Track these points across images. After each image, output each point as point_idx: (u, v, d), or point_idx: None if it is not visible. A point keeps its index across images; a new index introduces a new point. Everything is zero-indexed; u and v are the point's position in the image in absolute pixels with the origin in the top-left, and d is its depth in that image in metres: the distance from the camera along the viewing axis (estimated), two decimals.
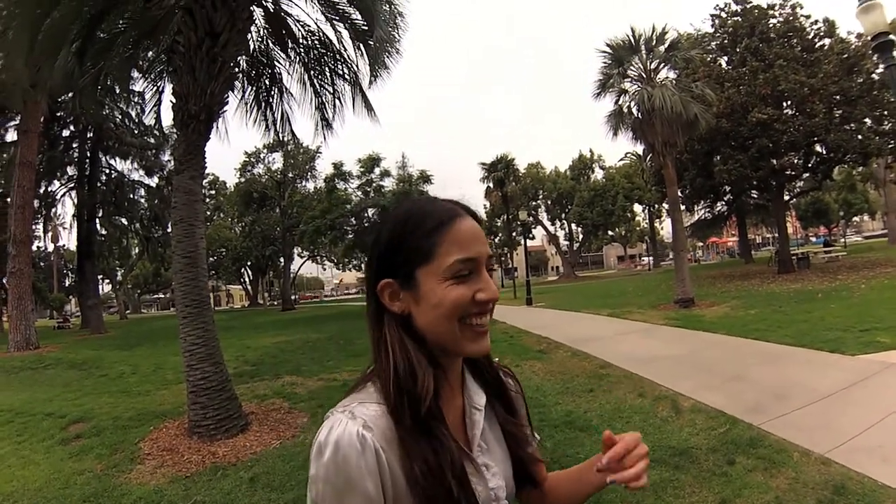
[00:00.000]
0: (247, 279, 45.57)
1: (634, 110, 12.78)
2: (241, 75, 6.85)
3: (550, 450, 3.90)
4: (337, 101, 7.17)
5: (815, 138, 15.70)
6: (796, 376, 5.23)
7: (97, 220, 21.21)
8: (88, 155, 20.80)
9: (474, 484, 0.70)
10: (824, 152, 16.98)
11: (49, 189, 21.50)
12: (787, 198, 21.06)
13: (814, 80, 14.46)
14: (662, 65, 13.06)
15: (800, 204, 39.51)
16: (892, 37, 5.84)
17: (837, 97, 15.10)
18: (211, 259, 37.09)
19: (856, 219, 55.92)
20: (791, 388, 4.86)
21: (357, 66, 6.87)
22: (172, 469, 4.19)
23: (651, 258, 46.40)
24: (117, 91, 8.45)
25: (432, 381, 0.69)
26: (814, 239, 52.28)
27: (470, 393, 0.79)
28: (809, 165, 17.96)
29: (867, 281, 12.22)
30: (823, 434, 3.68)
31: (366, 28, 6.27)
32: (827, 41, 16.12)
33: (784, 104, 15.94)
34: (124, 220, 23.06)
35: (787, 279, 15.37)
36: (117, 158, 21.89)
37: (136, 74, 6.81)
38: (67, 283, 37.91)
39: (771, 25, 16.28)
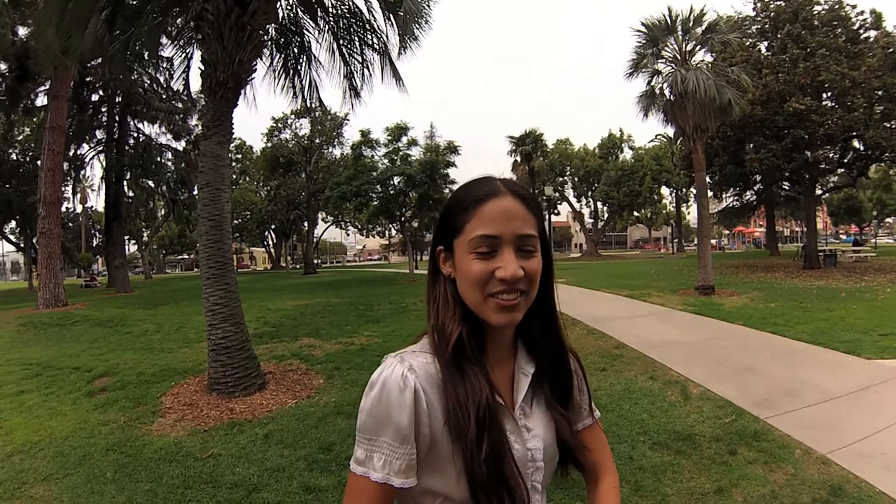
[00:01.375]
0: (270, 242, 46.21)
1: (667, 92, 12.42)
2: (269, 43, 6.86)
3: None
4: (366, 71, 7.16)
5: (854, 133, 15.15)
6: (808, 374, 5.17)
7: (125, 183, 21.70)
8: (117, 119, 21.15)
9: (512, 441, 0.77)
10: (862, 148, 16.36)
11: (78, 152, 22.04)
12: (819, 192, 20.40)
13: (856, 72, 13.86)
14: (698, 47, 12.61)
15: (832, 199, 38.33)
16: None
17: (880, 92, 14.50)
18: (236, 222, 37.63)
19: (889, 220, 54.04)
20: (802, 385, 4.81)
21: (387, 36, 6.84)
22: (192, 423, 4.40)
23: (675, 242, 45.68)
24: (146, 57, 8.53)
25: (458, 326, 0.77)
26: (843, 237, 50.79)
27: (520, 359, 0.86)
28: (845, 161, 17.32)
29: (894, 285, 11.87)
30: (828, 434, 3.66)
31: None
32: (873, 33, 15.40)
33: (823, 95, 15.35)
34: (151, 183, 23.53)
35: (811, 275, 15.02)
36: (145, 122, 22.27)
37: (165, 41, 6.86)
38: (95, 244, 39.07)
39: (815, 13, 15.55)
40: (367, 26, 6.86)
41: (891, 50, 14.45)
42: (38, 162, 15.39)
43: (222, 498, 3.09)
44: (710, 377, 5.15)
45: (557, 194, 39.64)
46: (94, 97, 20.88)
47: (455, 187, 0.84)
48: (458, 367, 0.75)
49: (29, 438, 4.18)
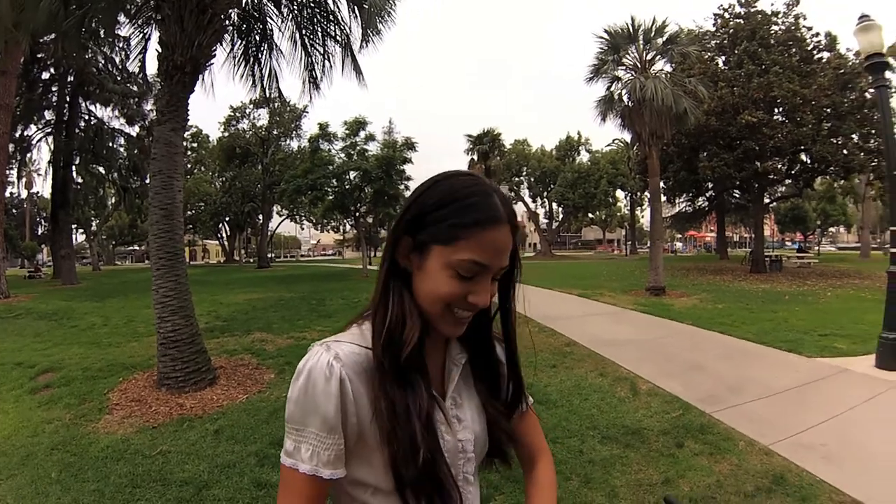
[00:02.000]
0: (224, 235, 44.90)
1: (625, 98, 12.78)
2: (231, 28, 6.65)
3: None
4: (326, 62, 7.05)
5: (802, 147, 15.98)
6: (753, 371, 5.43)
7: (73, 168, 20.51)
8: (68, 99, 20.00)
9: (442, 432, 0.76)
10: (808, 162, 17.29)
11: (25, 133, 20.71)
12: (767, 201, 21.48)
13: (807, 90, 14.66)
14: (658, 57, 13.05)
15: (779, 208, 40.25)
16: (887, 59, 5.91)
17: (828, 110, 15.34)
18: (189, 213, 36.27)
19: (832, 229, 57.36)
20: (746, 381, 5.05)
21: (350, 28, 6.75)
22: (140, 419, 4.24)
23: (629, 244, 47.01)
24: (102, 35, 8.12)
25: (418, 333, 0.74)
26: (789, 243, 53.53)
27: (451, 350, 0.85)
28: (792, 172, 18.28)
29: (834, 289, 12.65)
30: (770, 427, 3.85)
31: None
32: (826, 54, 16.30)
33: (775, 110, 16.17)
34: (102, 169, 22.30)
35: (758, 279, 15.80)
36: (97, 105, 21.10)
37: (123, 19, 6.56)
38: (40, 232, 36.97)
39: (772, 32, 16.40)
40: (331, 17, 6.76)
41: (842, 71, 15.30)
42: None
43: (171, 496, 2.99)
44: (659, 374, 5.34)
45: (513, 194, 40.16)
46: (45, 75, 19.66)
47: (445, 182, 0.75)
48: (399, 370, 0.73)
49: None
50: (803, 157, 17.29)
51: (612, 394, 4.78)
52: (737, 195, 23.02)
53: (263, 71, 7.30)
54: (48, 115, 20.74)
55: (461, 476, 0.80)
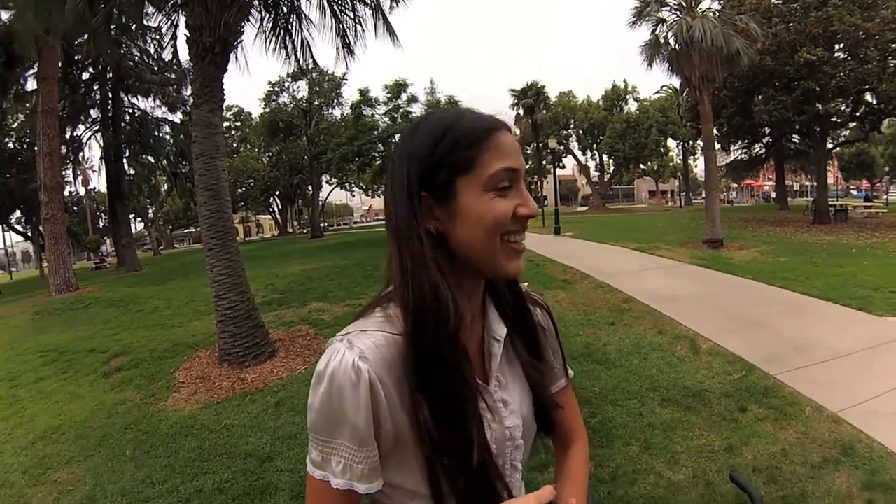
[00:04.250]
0: (276, 209, 45.83)
1: (672, 41, 11.98)
2: (257, 2, 6.61)
3: None
4: (358, 27, 6.95)
5: (866, 86, 14.68)
6: (819, 330, 5.13)
7: (124, 160, 21.43)
8: (110, 96, 20.72)
9: (488, 421, 0.68)
10: (874, 102, 15.87)
11: (75, 134, 21.58)
12: (830, 146, 19.89)
13: (870, 23, 13.32)
14: None
15: (843, 154, 37.49)
16: None
17: (894, 45, 14.00)
18: (239, 190, 37.19)
19: None
20: (812, 341, 4.77)
21: None
22: (205, 395, 4.45)
23: (683, 195, 45.10)
24: (133, 28, 8.27)
25: (458, 304, 0.65)
26: (854, 192, 49.88)
27: (490, 322, 0.75)
28: (857, 114, 16.82)
29: None
30: (839, 392, 3.62)
31: None
32: None
33: (836, 46, 14.83)
34: (151, 158, 23.17)
35: (822, 230, 14.82)
36: (139, 97, 21.76)
37: (151, 10, 6.63)
38: (101, 225, 39.19)
39: None
40: None
41: None
42: (35, 148, 15.18)
43: (237, 468, 3.14)
44: (720, 332, 5.13)
45: (562, 147, 38.87)
46: (85, 75, 20.36)
47: (424, 123, 0.69)
48: (440, 359, 0.63)
49: (50, 424, 4.25)
50: (868, 97, 15.84)
51: (672, 353, 4.63)
52: (796, 140, 21.51)
53: (295, 42, 7.26)
54: (94, 113, 21.56)
55: (508, 465, 0.72)
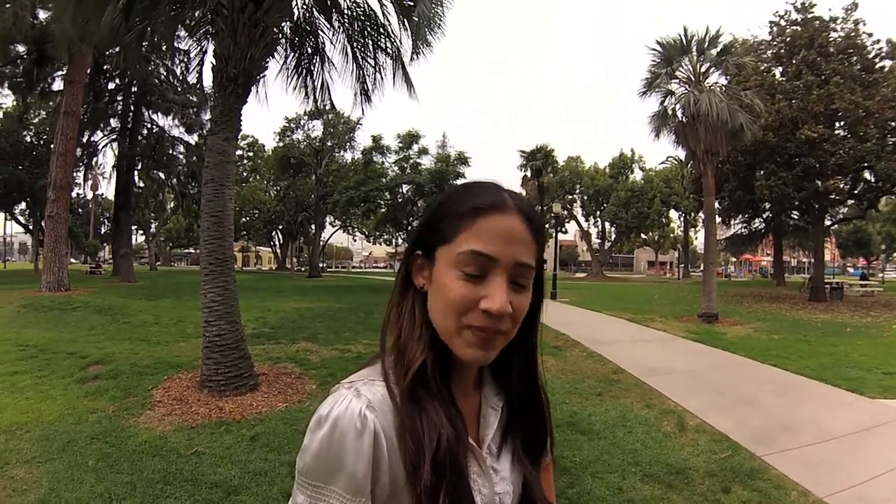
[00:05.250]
0: (277, 242, 46.21)
1: (679, 113, 12.40)
2: (283, 41, 6.89)
3: None
4: (378, 75, 7.17)
5: (865, 164, 15.06)
6: (809, 411, 5.07)
7: (136, 173, 21.84)
8: (132, 108, 21.33)
9: (479, 485, 0.67)
10: (873, 180, 16.30)
11: (91, 139, 22.14)
12: (828, 223, 20.22)
13: (870, 102, 13.84)
14: (713, 69, 12.59)
15: (841, 231, 37.98)
16: None
17: (893, 123, 14.49)
18: (243, 219, 37.75)
19: None
20: (802, 422, 4.71)
21: (400, 40, 6.86)
22: (179, 418, 4.35)
23: (681, 267, 45.38)
24: (163, 49, 8.61)
25: (421, 357, 0.65)
26: (851, 270, 50.29)
27: (487, 392, 0.75)
28: (855, 192, 17.22)
29: None
30: (827, 476, 3.54)
31: (410, 2, 6.23)
32: (888, 63, 15.42)
33: (836, 124, 15.33)
34: (162, 175, 23.63)
35: (817, 308, 14.86)
36: (159, 114, 22.43)
37: (182, 33, 6.92)
38: (103, 231, 39.37)
39: (831, 39, 15.60)
40: (381, 30, 6.88)
41: None
42: (52, 146, 15.49)
43: (201, 497, 3.03)
44: (709, 408, 5.05)
45: (566, 212, 39.52)
46: (111, 85, 21.10)
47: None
48: (415, 399, 0.64)
49: (16, 419, 4.17)
50: (867, 174, 16.28)
51: (658, 427, 4.54)
52: (795, 216, 21.87)
53: (316, 83, 7.51)
54: (113, 122, 22.16)
55: None
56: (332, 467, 0.60)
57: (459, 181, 19.42)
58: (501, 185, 0.69)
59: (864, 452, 4.02)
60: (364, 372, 0.69)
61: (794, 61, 15.70)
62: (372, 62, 7.15)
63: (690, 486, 3.40)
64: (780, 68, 16.73)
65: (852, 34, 15.55)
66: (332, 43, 7.20)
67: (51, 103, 20.16)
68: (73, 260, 30.97)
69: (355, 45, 7.12)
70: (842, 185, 16.55)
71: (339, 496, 0.60)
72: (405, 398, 0.64)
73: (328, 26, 7.08)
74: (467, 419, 0.70)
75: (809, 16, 16.23)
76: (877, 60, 15.44)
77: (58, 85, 17.76)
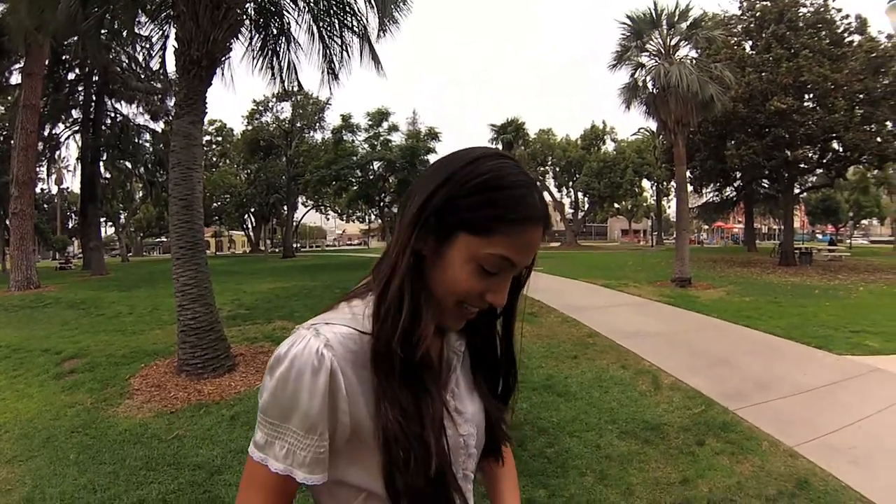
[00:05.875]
0: (250, 225, 45.65)
1: (650, 85, 12.47)
2: (248, 23, 6.69)
3: (526, 410, 3.99)
4: (344, 53, 7.04)
5: (833, 134, 15.43)
6: (780, 368, 5.25)
7: (101, 164, 21.09)
8: (94, 98, 20.54)
9: (445, 428, 0.68)
10: (840, 150, 16.69)
11: (53, 132, 21.37)
12: (797, 191, 20.78)
13: (838, 74, 14.15)
14: (683, 42, 12.66)
15: (810, 199, 39.01)
16: None
17: (860, 96, 14.80)
18: (215, 205, 37.05)
19: (864, 222, 55.18)
20: (773, 378, 4.88)
21: (367, 18, 6.74)
22: (159, 404, 4.32)
23: (655, 235, 46.17)
24: (124, 35, 8.28)
25: (419, 318, 0.65)
26: (820, 236, 51.87)
27: (450, 336, 0.77)
28: (824, 161, 17.65)
29: (866, 284, 12.18)
30: (796, 427, 3.69)
31: None
32: (856, 38, 15.71)
33: (805, 96, 15.65)
34: (128, 164, 22.88)
35: (787, 272, 15.34)
36: (122, 102, 21.66)
37: (144, 19, 6.66)
38: (71, 226, 38.17)
39: (800, 14, 15.84)
40: (347, 8, 6.75)
41: (874, 55, 14.68)
42: (12, 141, 14.92)
43: (184, 479, 3.04)
44: (682, 368, 5.20)
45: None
46: (71, 75, 20.22)
47: (490, 163, 0.65)
48: (410, 369, 0.64)
49: None
50: (835, 145, 16.67)
51: (634, 387, 4.67)
52: (766, 185, 22.41)
53: (282, 64, 7.34)
54: (75, 113, 21.34)
55: (461, 474, 0.73)
56: (287, 405, 0.61)
57: (430, 156, 19.38)
58: (531, 177, 0.67)
59: (832, 405, 4.19)
60: (324, 315, 0.69)
61: (763, 35, 15.89)
62: (339, 41, 7.01)
63: (666, 440, 3.52)
64: (750, 42, 16.95)
65: (821, 9, 15.79)
66: (297, 23, 7.06)
67: (9, 97, 19.31)
68: (39, 258, 30.02)
69: (321, 24, 6.97)
70: (810, 155, 17.02)
71: (293, 433, 0.62)
72: (402, 372, 0.64)
73: (293, 6, 6.92)
74: (433, 363, 0.72)
75: None
76: (845, 35, 15.71)
77: (15, 78, 17.02)
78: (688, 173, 15.75)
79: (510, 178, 0.64)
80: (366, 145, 20.05)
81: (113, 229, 38.57)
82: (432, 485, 0.63)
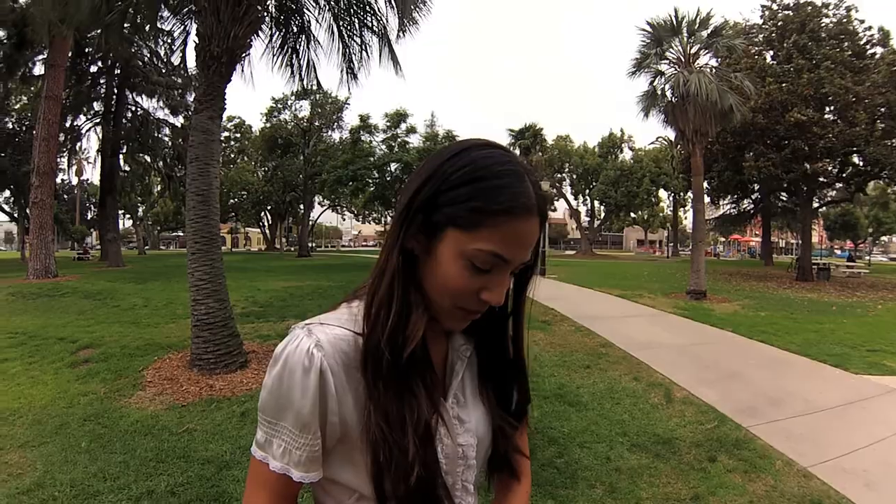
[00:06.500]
0: (266, 223, 46.08)
1: (668, 93, 12.38)
2: (269, 20, 6.74)
3: (537, 419, 3.95)
4: (364, 53, 7.05)
5: (854, 148, 15.18)
6: (794, 385, 5.15)
7: (121, 156, 21.43)
8: (115, 91, 20.84)
9: (441, 436, 0.66)
10: (861, 164, 16.45)
11: (75, 123, 21.67)
12: (816, 205, 20.45)
13: (860, 87, 13.91)
14: (703, 50, 12.54)
15: (828, 213, 38.47)
16: None
17: (882, 109, 14.52)
18: (231, 201, 37.47)
19: (884, 238, 54.28)
20: (787, 395, 4.79)
21: (386, 18, 6.75)
22: (171, 397, 4.36)
23: (670, 246, 45.79)
24: (146, 29, 8.40)
25: (422, 329, 0.64)
26: (838, 252, 51.01)
27: (455, 339, 0.74)
28: (843, 175, 17.38)
29: (885, 302, 11.94)
30: (811, 447, 3.62)
31: None
32: (879, 50, 15.48)
33: (826, 108, 15.39)
34: (148, 158, 23.24)
35: (804, 287, 15.09)
36: (143, 96, 21.93)
37: (167, 14, 6.75)
38: (90, 217, 38.84)
39: (823, 25, 15.60)
40: (367, 7, 6.76)
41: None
42: (34, 131, 15.18)
43: (193, 473, 3.05)
44: (696, 382, 5.13)
45: (555, 191, 39.60)
46: (93, 68, 20.56)
47: (473, 153, 0.62)
48: (398, 370, 0.63)
49: (8, 405, 4.15)
50: (855, 159, 16.42)
51: (646, 399, 4.61)
52: (784, 198, 22.08)
53: (302, 61, 7.36)
54: (96, 106, 21.66)
55: (459, 485, 0.70)
56: (282, 403, 0.62)
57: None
58: (525, 167, 0.64)
59: (847, 426, 4.10)
60: (321, 316, 0.69)
61: (784, 45, 15.67)
62: (358, 40, 7.02)
63: (677, 455, 3.46)
64: (771, 52, 16.72)
65: (844, 20, 15.55)
66: (317, 21, 7.05)
67: (32, 88, 19.70)
68: (58, 248, 30.55)
69: (341, 23, 6.98)
70: (830, 169, 16.75)
71: (288, 432, 0.63)
72: (389, 374, 0.62)
73: (314, 4, 6.93)
74: (437, 368, 0.70)
75: (801, 1, 16.20)
76: (868, 47, 15.49)
77: (39, 69, 17.36)
78: (705, 184, 15.57)
79: (495, 167, 0.61)
80: (383, 146, 20.15)
81: (131, 222, 39.18)
82: (419, 493, 0.62)
